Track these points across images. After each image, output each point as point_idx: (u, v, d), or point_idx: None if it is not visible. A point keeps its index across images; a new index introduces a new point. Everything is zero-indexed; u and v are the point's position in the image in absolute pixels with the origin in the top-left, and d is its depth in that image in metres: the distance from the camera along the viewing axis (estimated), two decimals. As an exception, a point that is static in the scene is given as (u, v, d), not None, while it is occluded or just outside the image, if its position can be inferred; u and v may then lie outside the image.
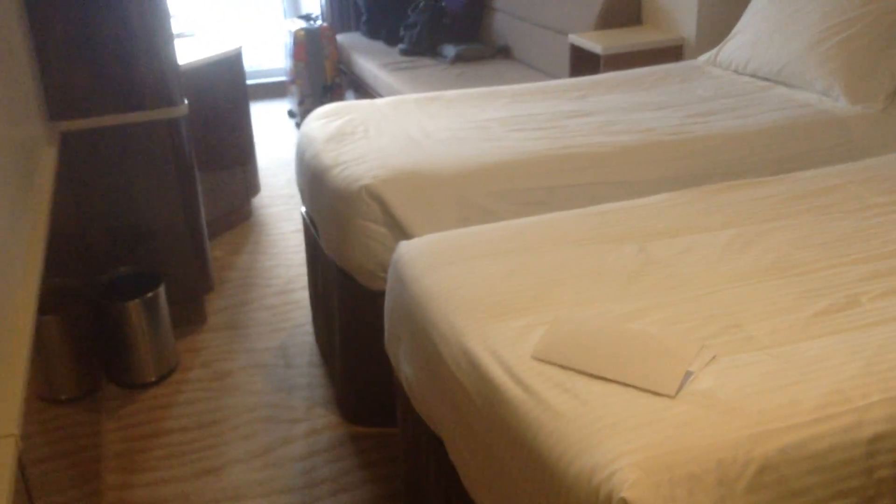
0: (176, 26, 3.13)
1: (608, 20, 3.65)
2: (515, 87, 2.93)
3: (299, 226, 3.60)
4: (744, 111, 2.56)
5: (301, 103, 4.92)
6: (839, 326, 1.42)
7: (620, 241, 1.77)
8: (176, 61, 2.61)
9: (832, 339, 1.38)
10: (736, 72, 2.94)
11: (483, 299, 1.54)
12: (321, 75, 4.86)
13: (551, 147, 2.32)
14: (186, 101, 2.67)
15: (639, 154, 2.31)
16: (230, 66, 3.46)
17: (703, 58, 3.13)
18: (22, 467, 1.25)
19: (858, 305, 1.49)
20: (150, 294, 2.52)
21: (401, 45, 4.63)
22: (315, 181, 2.35)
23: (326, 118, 2.61)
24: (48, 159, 2.23)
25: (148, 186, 2.65)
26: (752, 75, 2.87)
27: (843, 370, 1.29)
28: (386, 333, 1.84)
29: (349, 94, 5.09)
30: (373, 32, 5.00)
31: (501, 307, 1.52)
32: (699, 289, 1.56)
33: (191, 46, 3.35)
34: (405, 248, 1.79)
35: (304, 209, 2.66)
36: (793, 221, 1.82)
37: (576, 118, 2.56)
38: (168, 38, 2.57)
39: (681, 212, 1.90)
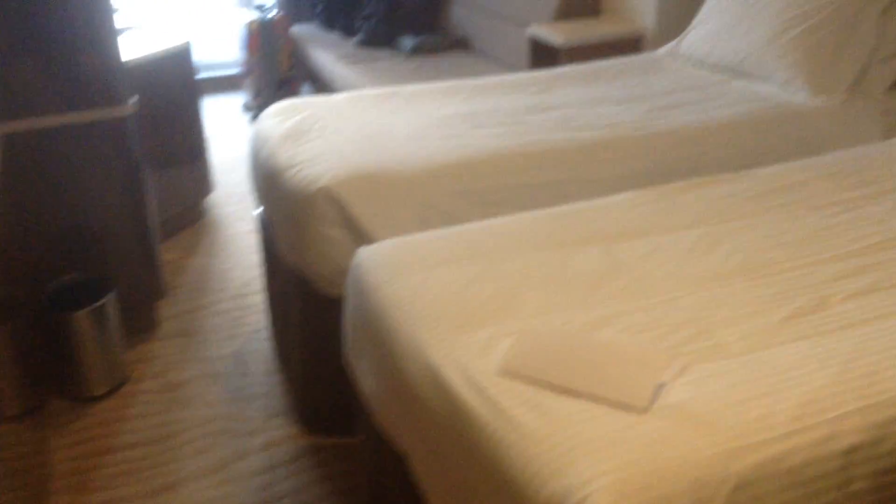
0: (122, 20, 3.01)
1: (567, 12, 3.60)
2: (475, 81, 2.87)
3: (256, 225, 3.50)
4: (706, 104, 2.54)
5: (256, 97, 4.81)
6: (810, 330, 1.39)
7: (585, 243, 1.72)
8: (121, 57, 2.50)
9: (803, 344, 1.35)
10: (697, 64, 2.92)
11: (446, 309, 1.49)
12: (276, 68, 4.75)
13: (513, 144, 2.26)
14: (134, 98, 2.55)
15: (601, 151, 2.26)
16: (179, 61, 3.34)
17: (663, 50, 3.10)
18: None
19: (828, 307, 1.46)
20: (98, 303, 2.42)
21: (357, 37, 4.54)
22: (270, 183, 2.27)
23: (281, 116, 2.52)
24: (-14, 164, 2.12)
25: (94, 189, 2.53)
26: (713, 67, 2.85)
27: (815, 378, 1.26)
28: (345, 345, 1.78)
29: (305, 86, 4.98)
30: (328, 23, 4.89)
31: (465, 318, 1.46)
32: (667, 293, 1.52)
33: (137, 41, 3.22)
34: (364, 254, 1.73)
35: (259, 211, 2.57)
36: (759, 219, 1.79)
37: (537, 113, 2.51)
38: (112, 33, 2.45)
39: (646, 211, 1.86)
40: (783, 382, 1.25)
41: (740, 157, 2.35)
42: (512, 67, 3.87)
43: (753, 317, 1.44)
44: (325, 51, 4.49)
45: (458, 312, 1.48)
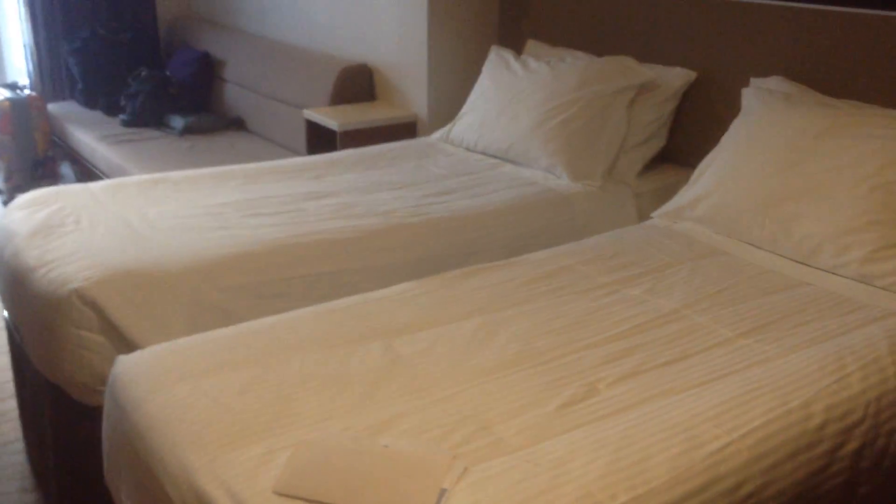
0: None
1: (343, 96, 3.63)
2: (249, 166, 2.79)
3: (4, 326, 3.14)
4: (478, 189, 2.62)
5: (8, 180, 4.39)
6: (581, 419, 1.43)
7: (365, 339, 1.68)
8: None
9: (576, 434, 1.39)
10: (468, 149, 3.02)
11: (215, 424, 1.38)
12: (31, 149, 4.38)
13: (289, 234, 2.20)
14: None
15: (379, 239, 2.26)
16: None
17: (436, 135, 3.19)
18: None
19: (598, 393, 1.52)
20: None
21: (122, 116, 4.29)
22: (16, 284, 2.04)
23: (30, 208, 2.30)
24: None
25: None
26: (483, 153, 2.96)
27: (589, 470, 1.28)
28: (105, 464, 1.60)
29: (65, 167, 4.63)
30: (90, 101, 4.59)
31: (237, 432, 1.36)
32: (447, 388, 1.52)
33: None
34: (123, 365, 1.58)
35: (6, 314, 2.30)
36: (532, 306, 1.85)
37: (314, 200, 2.48)
38: None
39: (425, 302, 1.86)
40: (560, 477, 1.27)
41: (513, 240, 2.44)
42: (290, 148, 3.83)
43: (530, 408, 1.46)
44: (87, 131, 4.20)
45: (229, 426, 1.37)
